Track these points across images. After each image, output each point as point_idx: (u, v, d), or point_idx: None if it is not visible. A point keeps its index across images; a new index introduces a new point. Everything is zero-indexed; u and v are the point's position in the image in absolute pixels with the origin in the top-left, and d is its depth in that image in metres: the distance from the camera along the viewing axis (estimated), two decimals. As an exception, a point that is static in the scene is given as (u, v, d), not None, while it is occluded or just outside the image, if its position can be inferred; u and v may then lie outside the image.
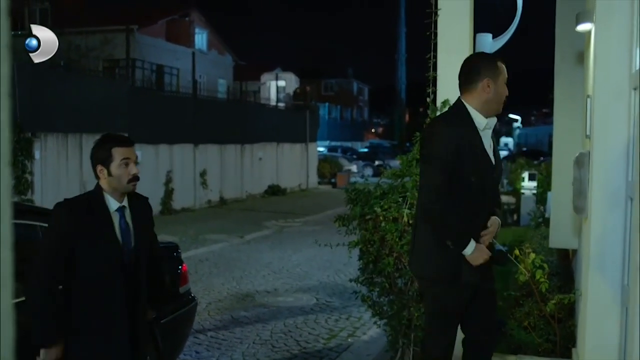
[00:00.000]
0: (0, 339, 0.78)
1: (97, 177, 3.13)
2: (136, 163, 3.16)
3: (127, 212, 3.16)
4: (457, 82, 4.63)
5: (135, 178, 3.13)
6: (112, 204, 3.12)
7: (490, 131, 3.46)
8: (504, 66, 3.43)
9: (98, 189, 3.14)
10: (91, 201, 3.11)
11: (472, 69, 3.44)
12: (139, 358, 3.17)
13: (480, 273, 3.43)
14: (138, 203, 3.26)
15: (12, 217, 0.80)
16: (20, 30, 21.95)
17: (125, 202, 3.16)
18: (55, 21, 25.65)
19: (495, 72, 3.38)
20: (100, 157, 3.11)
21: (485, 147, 3.39)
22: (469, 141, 3.34)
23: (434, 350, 3.61)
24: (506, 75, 3.42)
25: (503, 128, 59.20)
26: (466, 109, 3.40)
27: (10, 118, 0.76)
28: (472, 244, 3.36)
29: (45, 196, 13.64)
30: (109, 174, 3.09)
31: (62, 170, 14.54)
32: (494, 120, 3.45)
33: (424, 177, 3.47)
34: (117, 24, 26.23)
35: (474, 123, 3.38)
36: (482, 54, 3.64)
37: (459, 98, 3.51)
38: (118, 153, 3.09)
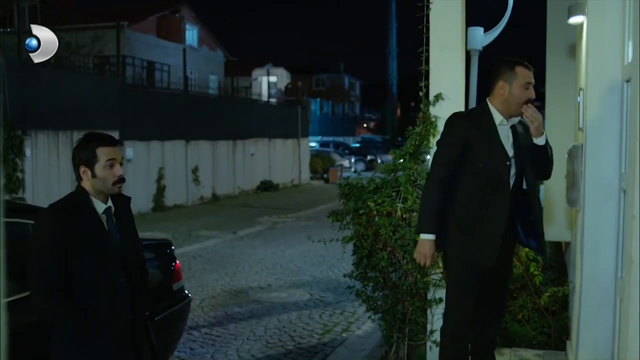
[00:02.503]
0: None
1: (80, 178, 2.98)
2: (121, 164, 3.03)
3: (113, 213, 3.05)
4: (449, 75, 4.66)
5: (120, 179, 2.99)
6: (98, 206, 2.99)
7: (507, 127, 3.66)
8: (525, 70, 3.59)
9: (81, 190, 2.98)
10: (78, 203, 2.96)
11: (493, 72, 3.73)
12: (137, 356, 3.14)
13: (492, 260, 3.65)
14: (121, 203, 3.13)
15: (4, 215, 0.79)
16: (9, 28, 21.82)
17: (110, 203, 3.04)
18: (45, 18, 25.51)
19: (511, 76, 3.60)
20: (84, 157, 2.95)
21: (502, 139, 3.62)
22: (481, 133, 3.63)
23: (449, 324, 3.83)
24: (526, 80, 3.58)
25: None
26: (488, 107, 3.69)
27: (2, 117, 0.74)
28: (427, 235, 3.70)
29: (37, 194, 13.59)
30: (93, 175, 2.94)
31: (53, 168, 14.47)
32: (515, 119, 3.67)
33: (433, 159, 3.88)
34: (107, 20, 26.08)
35: (492, 118, 3.65)
36: (506, 58, 3.72)
37: (486, 98, 3.81)
38: (103, 153, 2.94)
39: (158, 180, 18.04)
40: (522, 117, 3.62)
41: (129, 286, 3.02)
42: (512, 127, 3.67)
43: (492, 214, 3.62)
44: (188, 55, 23.84)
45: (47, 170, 14.28)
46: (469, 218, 3.66)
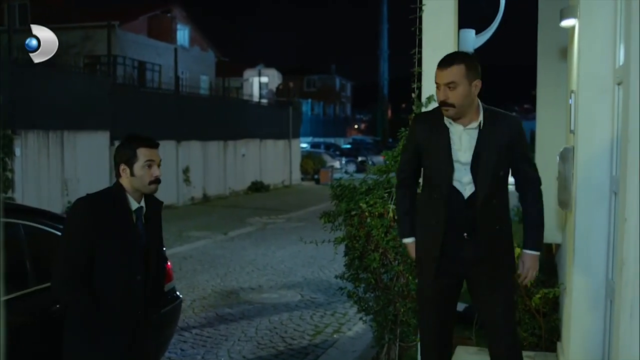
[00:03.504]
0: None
1: (119, 175, 3.11)
2: (159, 165, 3.16)
3: (144, 214, 3.16)
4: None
5: (157, 180, 3.13)
6: (132, 203, 3.11)
7: (466, 132, 3.35)
8: (436, 72, 3.37)
9: (119, 186, 3.11)
10: (113, 198, 3.09)
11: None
12: (142, 352, 3.19)
13: (429, 275, 3.45)
14: (154, 206, 3.26)
15: (2, 215, 0.78)
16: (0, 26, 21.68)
17: (142, 203, 3.16)
18: (35, 17, 25.40)
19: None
20: (125, 156, 3.09)
21: (454, 142, 3.37)
22: (431, 135, 3.44)
23: (421, 333, 3.72)
24: (437, 81, 3.35)
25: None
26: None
27: (2, 115, 0.73)
28: (406, 240, 3.66)
29: (26, 194, 13.51)
30: (132, 173, 3.08)
31: (43, 167, 14.40)
32: (474, 123, 3.36)
33: None
34: (98, 19, 26.03)
35: (442, 119, 3.41)
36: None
37: None
38: (143, 154, 3.09)
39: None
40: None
41: (144, 284, 3.11)
42: (480, 130, 3.35)
43: (433, 222, 3.43)
44: (179, 55, 23.78)
45: (36, 170, 14.21)
46: (419, 224, 3.55)
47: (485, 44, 6.05)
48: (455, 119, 3.36)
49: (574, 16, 4.30)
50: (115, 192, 3.11)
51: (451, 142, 3.38)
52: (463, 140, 3.37)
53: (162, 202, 3.40)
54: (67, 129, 15.05)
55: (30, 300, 3.70)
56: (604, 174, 3.80)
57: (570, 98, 4.60)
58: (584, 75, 3.90)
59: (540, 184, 3.54)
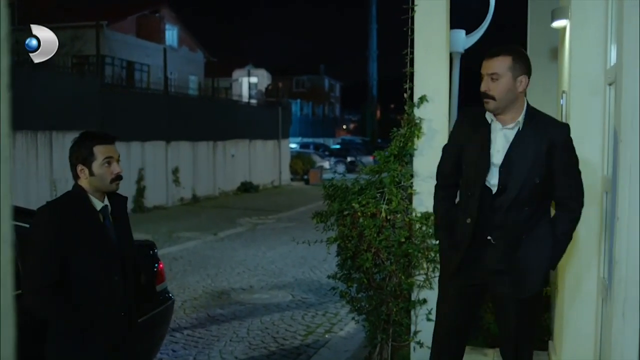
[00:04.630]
0: (1, 337, 0.76)
1: (77, 177, 2.99)
2: (118, 161, 3.04)
3: (109, 212, 3.07)
4: (433, 77, 4.68)
5: (118, 177, 3.01)
6: (96, 203, 3.00)
7: (502, 131, 3.27)
8: (483, 62, 3.32)
9: (78, 189, 3.00)
10: (75, 201, 2.98)
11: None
12: (129, 353, 3.14)
13: (453, 265, 3.39)
14: (118, 202, 3.15)
15: (12, 214, 0.78)
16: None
17: (106, 202, 3.06)
18: (23, 16, 25.21)
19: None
20: (81, 155, 2.96)
21: (492, 142, 3.28)
22: (473, 134, 3.35)
23: (435, 321, 3.66)
24: (481, 71, 3.29)
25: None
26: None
27: (9, 112, 0.73)
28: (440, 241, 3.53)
29: (15, 195, 13.42)
30: (91, 173, 2.96)
31: (31, 168, 14.32)
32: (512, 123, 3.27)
33: None
34: (87, 19, 25.85)
35: (485, 119, 3.32)
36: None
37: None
38: (100, 151, 2.96)
39: (138, 181, 17.92)
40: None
41: (123, 283, 3.05)
42: (519, 131, 3.23)
43: (464, 220, 3.34)
44: (168, 55, 23.71)
45: (25, 171, 14.13)
46: (453, 219, 3.46)
47: (475, 44, 6.09)
48: (495, 114, 3.26)
49: (565, 17, 4.33)
50: (76, 195, 2.99)
51: (490, 141, 3.28)
52: (497, 140, 3.27)
53: (127, 197, 3.28)
54: (56, 130, 14.97)
55: (19, 302, 3.67)
56: (596, 174, 3.83)
57: (562, 98, 4.63)
58: (575, 75, 3.93)
59: (581, 206, 3.30)
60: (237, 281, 9.33)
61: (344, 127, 72.16)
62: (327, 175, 16.87)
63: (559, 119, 4.88)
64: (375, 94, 54.44)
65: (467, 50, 6.07)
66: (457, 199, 3.54)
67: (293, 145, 35.30)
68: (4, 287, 0.75)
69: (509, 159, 3.23)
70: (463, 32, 6.01)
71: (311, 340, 6.59)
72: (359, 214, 4.63)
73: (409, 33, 4.66)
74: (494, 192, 3.27)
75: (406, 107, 4.72)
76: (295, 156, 31.92)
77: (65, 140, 15.16)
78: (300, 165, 31.14)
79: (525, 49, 6.77)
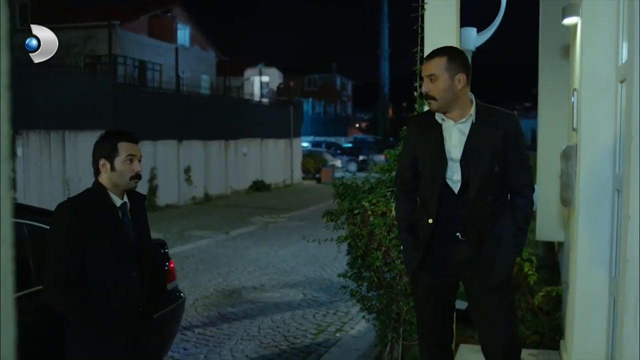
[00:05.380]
0: (1, 337, 0.76)
1: (98, 171, 3.05)
2: (140, 161, 3.11)
3: (128, 209, 3.12)
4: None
5: (138, 175, 3.07)
6: (115, 200, 3.07)
7: (456, 127, 3.31)
8: (423, 63, 3.43)
9: (98, 185, 3.06)
10: (96, 198, 3.04)
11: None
12: (142, 349, 3.18)
13: (412, 265, 3.45)
14: (136, 200, 3.21)
15: (12, 213, 0.79)
16: None
17: (125, 199, 3.12)
18: (36, 17, 25.38)
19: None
20: (105, 150, 3.03)
21: (446, 139, 3.33)
22: (425, 133, 3.42)
23: (417, 332, 3.74)
24: (422, 73, 3.41)
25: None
26: None
27: (9, 112, 0.74)
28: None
29: (28, 194, 13.53)
30: (112, 168, 3.02)
31: (44, 167, 14.42)
32: (464, 118, 3.32)
33: None
34: (99, 19, 26.04)
35: (437, 122, 3.37)
36: None
37: None
38: (124, 148, 3.04)
39: (150, 180, 17.99)
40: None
41: (140, 280, 3.10)
42: (473, 125, 3.30)
43: (425, 218, 3.38)
44: (180, 54, 23.79)
45: (38, 170, 14.22)
46: (416, 220, 3.50)
47: (486, 42, 6.06)
48: (442, 113, 3.32)
49: (576, 14, 4.30)
50: (97, 191, 3.05)
51: (444, 138, 3.34)
52: (453, 136, 3.33)
53: (145, 196, 3.35)
54: (69, 129, 15.06)
55: (33, 300, 3.70)
56: (607, 172, 3.80)
57: (573, 96, 4.60)
58: (586, 73, 3.90)
59: (532, 190, 3.45)
60: (249, 280, 9.34)
61: (356, 125, 72.08)
62: (339, 174, 16.87)
63: (570, 116, 4.86)
64: (387, 93, 54.32)
65: (479, 49, 6.04)
66: (418, 202, 3.56)
67: (305, 144, 35.33)
68: (4, 287, 0.75)
69: (469, 150, 3.30)
70: (474, 30, 5.98)
71: (322, 339, 6.59)
72: (369, 212, 4.62)
73: (419, 31, 4.65)
74: (455, 188, 3.33)
75: (416, 106, 4.71)
76: (307, 155, 31.92)
77: (77, 140, 15.27)
78: (312, 164, 31.14)
79: (537, 47, 6.75)
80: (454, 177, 3.32)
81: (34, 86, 13.69)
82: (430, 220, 3.34)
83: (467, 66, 3.35)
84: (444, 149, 3.33)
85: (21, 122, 13.54)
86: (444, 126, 3.35)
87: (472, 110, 3.31)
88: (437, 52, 3.36)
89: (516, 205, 3.39)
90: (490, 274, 3.34)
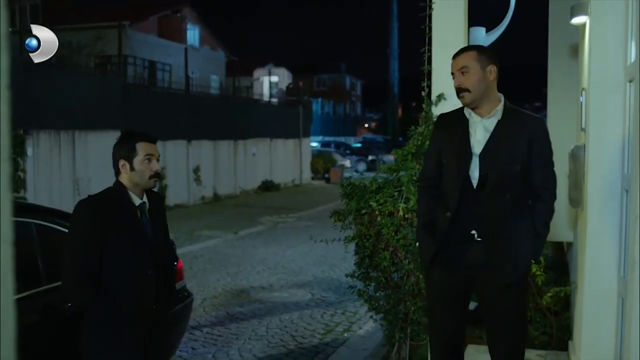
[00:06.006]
0: (1, 336, 0.77)
1: (118, 172, 3.13)
2: (158, 160, 3.18)
3: (147, 209, 3.17)
4: (451, 75, 4.64)
5: (156, 174, 3.14)
6: (135, 199, 3.13)
7: (482, 123, 3.33)
8: (452, 62, 3.41)
9: (119, 185, 3.13)
10: (115, 196, 3.11)
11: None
12: (155, 348, 3.21)
13: (427, 255, 3.45)
14: (155, 200, 3.28)
15: (12, 213, 0.79)
16: (11, 27, 21.76)
17: (145, 199, 3.18)
18: (46, 17, 25.53)
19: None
20: (124, 151, 3.10)
21: (471, 135, 3.35)
22: (451, 128, 3.44)
23: (429, 331, 3.73)
24: (451, 72, 3.39)
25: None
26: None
27: (9, 111, 0.74)
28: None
29: (38, 193, 13.59)
30: (132, 168, 3.09)
31: (54, 167, 14.48)
32: (492, 114, 3.34)
33: None
34: (109, 20, 26.10)
35: (464, 117, 3.41)
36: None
37: None
38: (142, 148, 3.10)
39: (160, 180, 18.03)
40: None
41: (156, 279, 3.13)
42: (499, 122, 3.30)
43: (444, 213, 3.39)
44: (189, 55, 23.85)
45: (48, 170, 14.29)
46: (434, 216, 3.49)
47: (495, 42, 6.04)
48: (473, 107, 3.32)
49: (585, 13, 4.28)
50: (117, 190, 3.13)
51: (469, 133, 3.35)
52: (477, 131, 3.34)
53: (164, 197, 3.44)
54: (79, 129, 15.13)
55: (42, 299, 3.72)
56: (616, 172, 3.78)
57: (581, 96, 4.57)
58: (595, 72, 3.88)
59: (554, 197, 3.40)
60: (257, 279, 9.35)
61: (365, 125, 72.01)
62: (348, 174, 16.86)
63: (578, 116, 4.83)
64: (397, 93, 54.20)
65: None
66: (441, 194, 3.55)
67: (314, 144, 35.33)
68: (4, 287, 0.76)
69: (490, 146, 3.30)
70: (483, 29, 5.96)
71: (330, 339, 6.59)
72: (377, 212, 4.62)
73: (427, 31, 4.65)
74: (474, 184, 3.32)
75: (424, 105, 4.70)
76: (316, 155, 31.93)
77: (87, 140, 15.34)
78: (321, 164, 31.14)
79: (547, 46, 6.72)
80: (474, 172, 3.32)
81: (44, 86, 13.77)
82: (449, 214, 3.34)
83: (496, 59, 3.35)
84: (469, 144, 3.34)
85: (32, 122, 13.61)
86: (470, 122, 3.37)
87: (500, 107, 3.32)
88: (465, 48, 3.43)
89: (536, 210, 3.36)
90: (502, 276, 3.32)
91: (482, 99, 3.30)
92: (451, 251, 3.39)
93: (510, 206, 3.29)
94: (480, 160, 3.30)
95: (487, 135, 3.31)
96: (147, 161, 3.10)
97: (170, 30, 32.89)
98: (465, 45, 4.68)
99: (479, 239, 3.33)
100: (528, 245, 3.33)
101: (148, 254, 3.12)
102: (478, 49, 3.39)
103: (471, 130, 3.35)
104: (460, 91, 3.30)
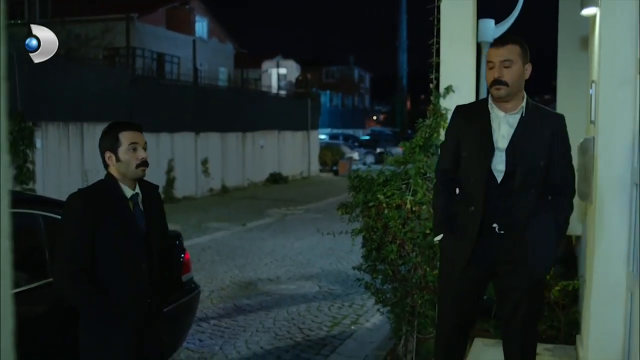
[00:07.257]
0: (0, 329, 0.76)
1: (107, 165, 3.08)
2: (145, 148, 3.11)
3: (140, 200, 3.13)
4: (459, 67, 4.62)
5: (144, 163, 3.07)
6: (126, 191, 3.08)
7: (506, 118, 3.33)
8: (490, 51, 3.39)
9: (110, 177, 3.08)
10: (106, 189, 3.06)
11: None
12: (151, 341, 3.18)
13: (463, 258, 3.38)
14: (149, 191, 3.22)
15: (10, 205, 0.78)
16: (20, 20, 21.83)
17: (137, 190, 3.12)
18: (55, 10, 25.58)
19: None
20: (108, 142, 3.05)
21: (494, 129, 3.34)
22: (471, 122, 3.42)
23: (438, 322, 3.73)
24: (490, 59, 3.33)
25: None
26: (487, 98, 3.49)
27: (7, 103, 0.73)
28: (436, 237, 3.54)
29: (47, 185, 13.64)
30: (117, 159, 3.03)
31: (63, 159, 14.53)
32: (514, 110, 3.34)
33: None
34: (117, 12, 26.14)
35: (486, 104, 3.41)
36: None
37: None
38: (125, 137, 3.04)
39: (167, 172, 18.07)
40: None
41: (150, 272, 3.10)
42: (522, 117, 3.30)
43: (466, 207, 3.38)
44: (198, 47, 23.85)
45: (57, 162, 14.34)
46: (453, 211, 3.48)
47: (505, 33, 5.99)
48: (503, 101, 3.32)
49: (595, 5, 4.23)
50: (107, 182, 3.08)
51: (492, 128, 3.34)
52: (502, 126, 3.34)
53: (158, 186, 3.36)
54: (87, 121, 15.15)
55: (49, 290, 3.73)
56: (625, 165, 3.75)
57: (591, 88, 4.54)
58: (605, 64, 3.85)
59: (573, 192, 3.44)
60: (265, 272, 9.36)
61: (374, 118, 71.87)
62: (356, 166, 16.84)
63: (588, 109, 4.80)
64: (405, 85, 54.09)
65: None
66: (457, 191, 3.54)
67: (322, 136, 35.27)
68: (3, 280, 0.75)
69: (516, 141, 3.31)
70: (492, 21, 5.93)
71: (337, 331, 6.59)
72: (384, 205, 4.61)
73: (435, 23, 4.62)
74: (499, 178, 3.32)
75: (432, 98, 4.68)
76: (325, 147, 31.88)
77: (96, 132, 15.34)
78: (330, 156, 31.10)
79: (556, 38, 6.67)
80: (498, 166, 3.32)
81: (53, 79, 13.79)
82: (472, 208, 3.34)
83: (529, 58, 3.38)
84: (492, 138, 3.33)
85: (40, 115, 13.65)
86: (492, 116, 3.36)
87: (524, 103, 3.33)
88: (510, 40, 3.37)
89: (558, 205, 3.39)
90: (528, 274, 3.33)
91: (516, 95, 3.31)
92: (472, 245, 3.36)
93: (534, 201, 3.31)
94: (506, 155, 3.31)
95: (511, 131, 3.32)
96: (132, 150, 3.03)
97: (178, 22, 32.87)
98: (474, 38, 4.65)
99: (501, 232, 3.33)
100: (552, 240, 3.35)
101: (141, 247, 3.07)
102: (521, 44, 3.33)
103: (494, 124, 3.35)
104: (497, 83, 3.26)
